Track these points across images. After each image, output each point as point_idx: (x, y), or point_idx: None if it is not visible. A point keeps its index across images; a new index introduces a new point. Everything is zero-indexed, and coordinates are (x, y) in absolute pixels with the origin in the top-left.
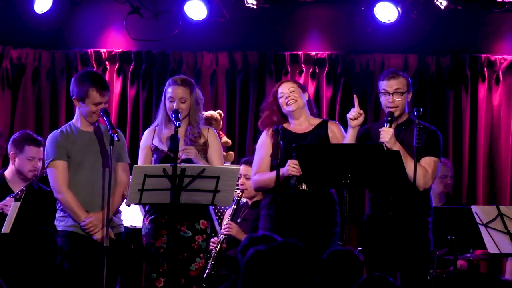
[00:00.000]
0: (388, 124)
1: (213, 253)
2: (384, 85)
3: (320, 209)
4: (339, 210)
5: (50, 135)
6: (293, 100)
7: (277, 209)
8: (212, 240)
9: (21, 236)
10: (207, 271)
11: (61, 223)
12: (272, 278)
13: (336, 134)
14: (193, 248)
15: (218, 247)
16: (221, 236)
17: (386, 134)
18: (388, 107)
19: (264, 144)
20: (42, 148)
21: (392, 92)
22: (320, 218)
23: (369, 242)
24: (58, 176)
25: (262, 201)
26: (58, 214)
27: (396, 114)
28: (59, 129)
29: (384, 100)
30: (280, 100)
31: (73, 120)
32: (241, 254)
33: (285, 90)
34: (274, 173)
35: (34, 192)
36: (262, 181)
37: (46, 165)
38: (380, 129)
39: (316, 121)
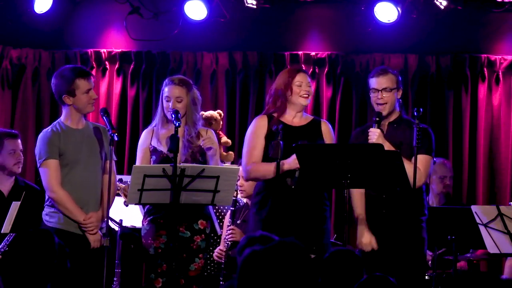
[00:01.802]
0: (376, 124)
1: (223, 263)
2: (373, 82)
3: (309, 206)
4: (329, 205)
5: (42, 133)
6: (308, 95)
7: (268, 208)
8: (218, 251)
9: (20, 235)
10: (221, 283)
11: (52, 219)
12: (268, 278)
13: (327, 135)
14: (192, 248)
15: (225, 255)
16: (227, 243)
17: (373, 134)
18: (377, 104)
19: (258, 133)
20: (19, 140)
21: (380, 89)
22: (310, 215)
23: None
24: (51, 175)
25: (251, 200)
26: (48, 210)
27: (385, 112)
28: (49, 128)
29: (373, 97)
30: (296, 88)
31: (62, 119)
32: (239, 254)
33: (304, 81)
34: (272, 164)
35: (21, 189)
36: (258, 171)
37: (38, 165)
38: (368, 130)
39: (309, 117)
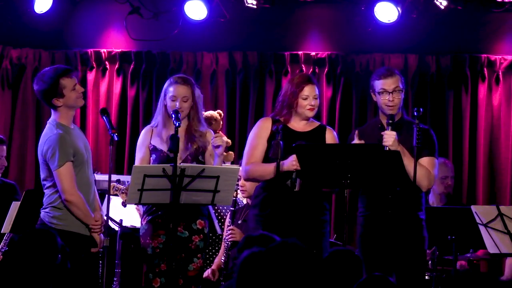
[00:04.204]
0: (390, 127)
1: (223, 262)
2: (381, 84)
3: (309, 208)
4: (329, 209)
5: (53, 136)
6: (314, 109)
7: (269, 210)
8: (210, 272)
9: (22, 236)
10: (222, 283)
11: (61, 222)
12: (266, 280)
13: (330, 142)
14: (190, 248)
15: (225, 255)
16: (227, 243)
17: (389, 137)
18: (388, 106)
19: (261, 134)
20: (4, 147)
21: (391, 91)
22: (309, 218)
23: (367, 242)
24: (70, 178)
25: (252, 201)
26: (56, 212)
27: (394, 113)
28: (54, 130)
29: (383, 99)
30: (302, 101)
31: (57, 120)
32: (238, 254)
33: (311, 94)
34: (272, 165)
35: None
36: (257, 171)
37: (56, 167)
38: (382, 133)
39: (315, 124)
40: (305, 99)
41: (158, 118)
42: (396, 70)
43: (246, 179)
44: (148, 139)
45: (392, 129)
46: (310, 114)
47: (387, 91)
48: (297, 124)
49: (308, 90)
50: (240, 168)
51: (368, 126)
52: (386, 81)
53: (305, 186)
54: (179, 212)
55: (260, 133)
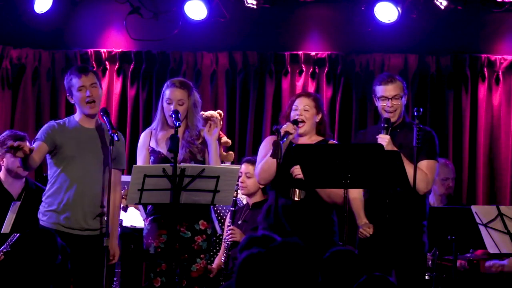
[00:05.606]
0: (384, 131)
1: (223, 262)
2: (381, 90)
3: (316, 213)
4: (336, 220)
5: (48, 122)
6: (302, 121)
7: (274, 221)
8: (219, 255)
9: (22, 236)
10: (222, 283)
11: (44, 217)
12: (265, 281)
13: None
14: (193, 249)
15: (225, 255)
16: (227, 243)
17: (382, 141)
18: (387, 112)
19: (265, 148)
20: (27, 143)
21: (391, 98)
22: (317, 221)
23: (365, 245)
24: (34, 154)
25: (262, 208)
26: (43, 209)
27: (394, 119)
28: (59, 120)
29: (382, 105)
30: (292, 113)
31: (75, 115)
32: (240, 253)
33: (300, 105)
34: (268, 153)
35: (32, 191)
36: (262, 164)
37: (31, 144)
38: (377, 136)
39: (319, 138)
40: (295, 110)
41: (156, 121)
42: (398, 76)
43: (261, 182)
44: (148, 142)
45: (387, 133)
46: (297, 129)
47: (387, 98)
48: (298, 139)
49: (298, 102)
50: (242, 167)
51: (370, 131)
52: (387, 87)
53: (308, 196)
54: (182, 213)
55: (267, 145)
